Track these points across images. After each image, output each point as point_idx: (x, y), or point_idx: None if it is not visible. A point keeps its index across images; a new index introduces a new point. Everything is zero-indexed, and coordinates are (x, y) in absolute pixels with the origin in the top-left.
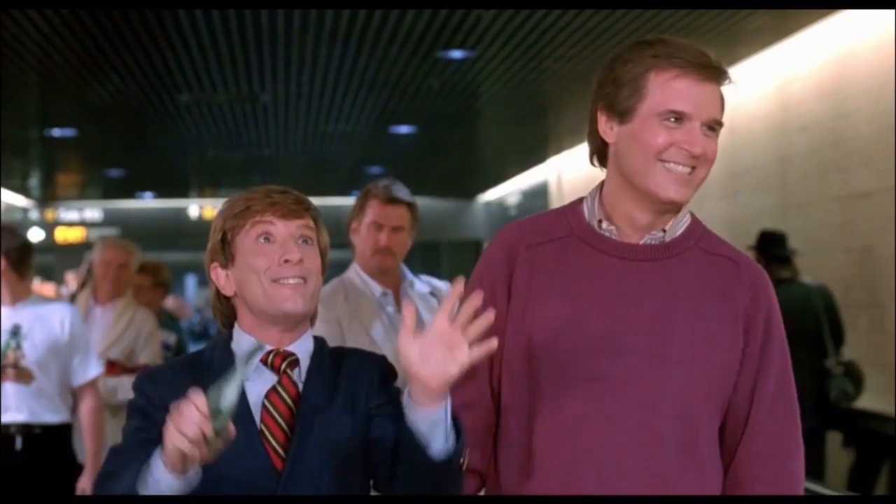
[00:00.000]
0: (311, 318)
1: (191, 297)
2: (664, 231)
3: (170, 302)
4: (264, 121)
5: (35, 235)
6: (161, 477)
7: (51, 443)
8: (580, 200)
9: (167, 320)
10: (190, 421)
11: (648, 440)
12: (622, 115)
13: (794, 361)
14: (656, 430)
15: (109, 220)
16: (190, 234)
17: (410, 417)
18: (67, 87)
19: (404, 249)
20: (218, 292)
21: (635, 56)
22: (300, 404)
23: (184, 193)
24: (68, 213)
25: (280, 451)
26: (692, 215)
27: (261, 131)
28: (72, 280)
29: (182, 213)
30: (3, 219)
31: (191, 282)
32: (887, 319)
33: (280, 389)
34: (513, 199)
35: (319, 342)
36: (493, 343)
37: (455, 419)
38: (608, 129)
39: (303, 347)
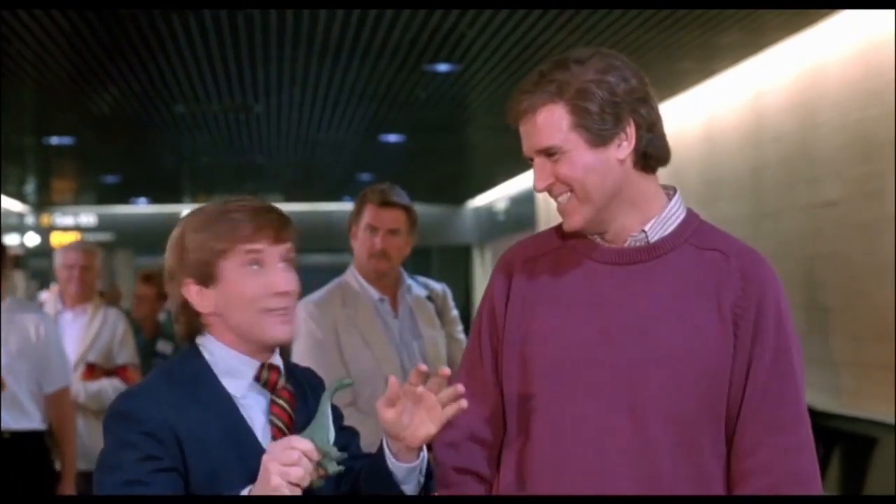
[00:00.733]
0: None
1: None
2: (644, 232)
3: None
4: (257, 130)
5: (31, 240)
6: None
7: (24, 450)
8: None
9: (166, 330)
10: (299, 467)
11: (639, 445)
12: None
13: None
14: (647, 434)
15: (104, 225)
16: None
17: (388, 466)
18: (66, 98)
19: (401, 254)
20: (185, 305)
21: None
22: (296, 413)
23: (177, 199)
24: (64, 219)
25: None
26: (689, 211)
27: (254, 140)
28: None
29: (175, 218)
30: None
31: None
32: (853, 322)
33: (280, 402)
34: (501, 205)
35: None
36: (463, 403)
37: (428, 462)
38: None
39: (277, 358)
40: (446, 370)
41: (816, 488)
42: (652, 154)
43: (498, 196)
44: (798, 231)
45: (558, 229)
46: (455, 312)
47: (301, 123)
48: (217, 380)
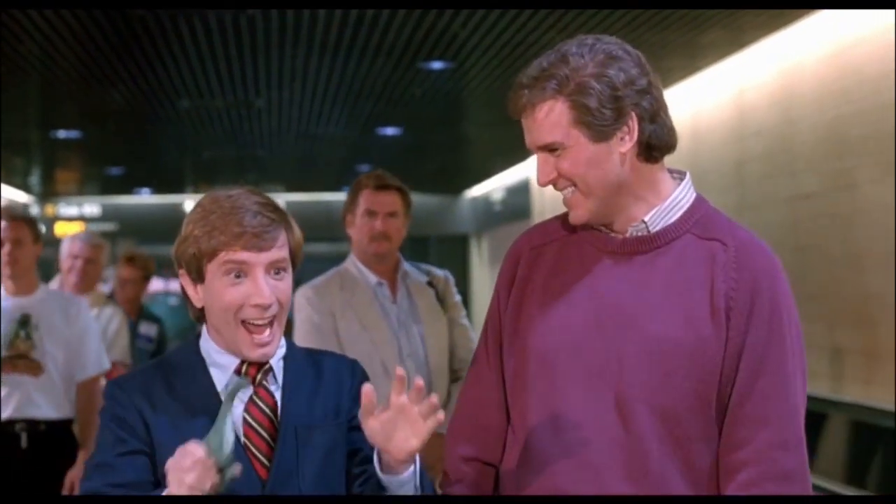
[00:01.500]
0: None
1: None
2: (644, 222)
3: None
4: (258, 124)
5: None
6: None
7: (56, 438)
8: None
9: (148, 312)
10: (193, 472)
11: (627, 437)
12: None
13: None
14: (634, 427)
15: (107, 215)
16: None
17: (381, 479)
18: (74, 94)
19: (400, 236)
20: (185, 292)
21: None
22: (281, 413)
23: (179, 189)
24: (68, 209)
25: (264, 461)
26: (697, 198)
27: (255, 133)
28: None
29: (178, 208)
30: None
31: None
32: (829, 309)
33: (258, 401)
34: (497, 195)
35: (290, 345)
36: (440, 416)
37: (423, 474)
38: None
39: (276, 354)
40: (420, 382)
41: (800, 487)
42: (656, 144)
43: (494, 186)
44: (778, 222)
45: (566, 217)
46: (458, 298)
47: (301, 118)
48: (207, 371)
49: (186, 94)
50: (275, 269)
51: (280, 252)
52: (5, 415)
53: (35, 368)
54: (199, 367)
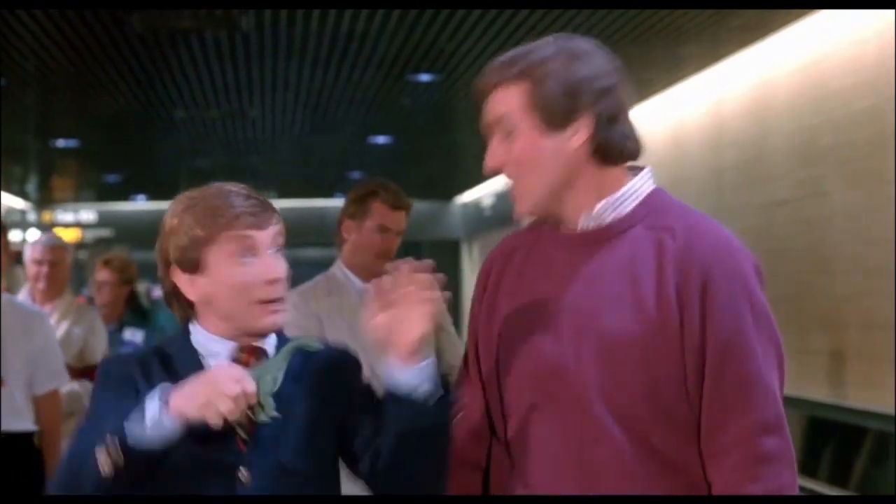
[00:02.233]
0: None
1: None
2: (593, 214)
3: None
4: (252, 132)
5: (33, 236)
6: (163, 418)
7: (18, 450)
8: None
9: (133, 318)
10: (230, 402)
11: (585, 437)
12: None
13: None
14: (593, 426)
15: (104, 221)
16: None
17: (394, 381)
18: (72, 103)
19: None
20: (174, 291)
21: None
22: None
23: (175, 196)
24: (65, 215)
25: (244, 435)
26: (654, 191)
27: (249, 141)
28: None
29: None
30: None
31: None
32: (798, 312)
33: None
34: (487, 201)
35: (283, 337)
36: (437, 294)
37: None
38: None
39: (269, 341)
40: (418, 262)
41: (787, 466)
42: (610, 147)
43: (484, 192)
44: (753, 228)
45: (537, 221)
46: (444, 304)
47: (294, 127)
48: (199, 362)
49: (182, 103)
50: (277, 246)
51: (277, 227)
52: None
53: None
54: (192, 356)
